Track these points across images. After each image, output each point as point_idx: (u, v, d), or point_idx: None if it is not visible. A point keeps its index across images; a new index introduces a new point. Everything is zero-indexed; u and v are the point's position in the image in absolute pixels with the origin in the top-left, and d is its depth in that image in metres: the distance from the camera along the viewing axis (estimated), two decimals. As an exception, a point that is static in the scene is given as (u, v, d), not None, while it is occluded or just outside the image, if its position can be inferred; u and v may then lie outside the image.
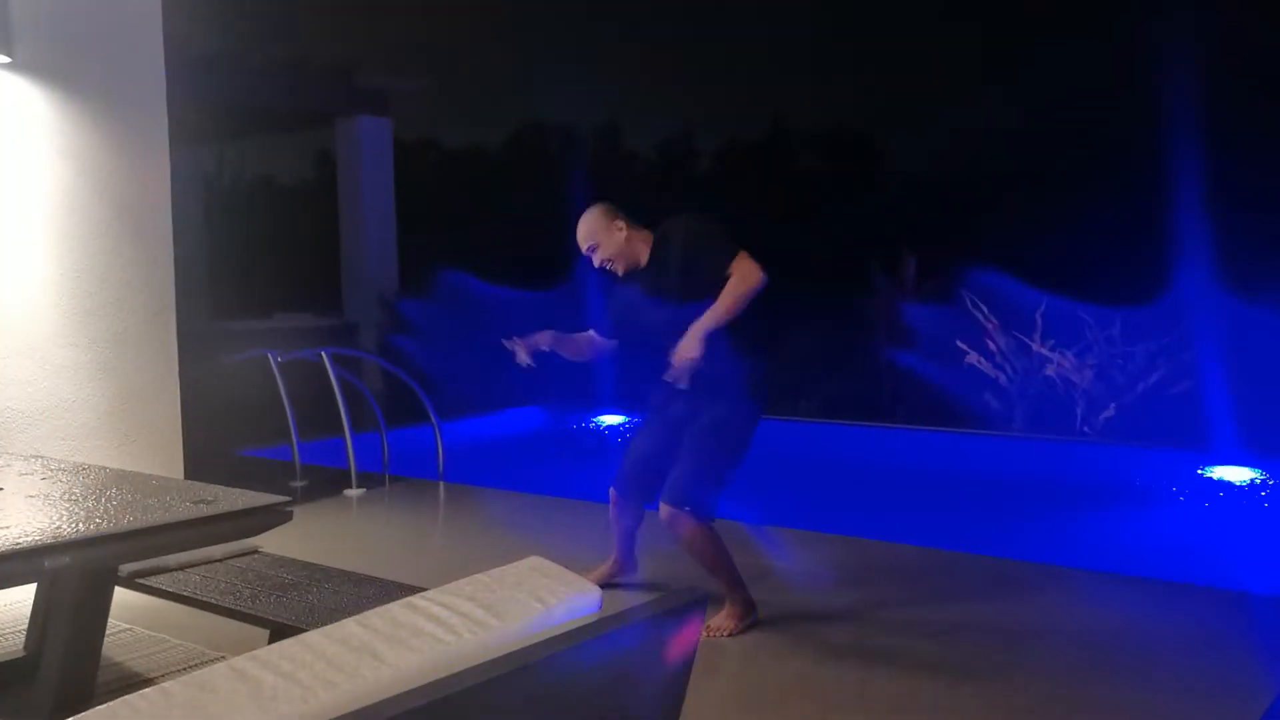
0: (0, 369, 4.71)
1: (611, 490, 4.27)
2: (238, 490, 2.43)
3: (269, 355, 6.61)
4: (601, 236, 4.03)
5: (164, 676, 3.56)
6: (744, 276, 3.69)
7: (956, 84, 15.63)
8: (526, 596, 1.55)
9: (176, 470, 5.41)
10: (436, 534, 5.96)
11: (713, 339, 3.68)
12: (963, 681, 3.45)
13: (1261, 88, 11.73)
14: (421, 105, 14.65)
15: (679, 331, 3.71)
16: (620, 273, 4.09)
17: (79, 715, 1.15)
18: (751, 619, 3.92)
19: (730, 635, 3.83)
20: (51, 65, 4.84)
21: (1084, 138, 12.47)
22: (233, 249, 10.51)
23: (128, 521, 2.11)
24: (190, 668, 3.62)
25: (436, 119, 16.11)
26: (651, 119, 18.93)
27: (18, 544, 1.95)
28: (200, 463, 5.69)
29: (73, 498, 2.33)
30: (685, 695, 1.71)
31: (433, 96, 15.37)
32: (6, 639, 3.82)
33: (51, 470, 2.71)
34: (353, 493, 6.45)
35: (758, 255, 3.79)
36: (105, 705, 1.18)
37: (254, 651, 1.33)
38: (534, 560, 1.66)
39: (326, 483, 6.69)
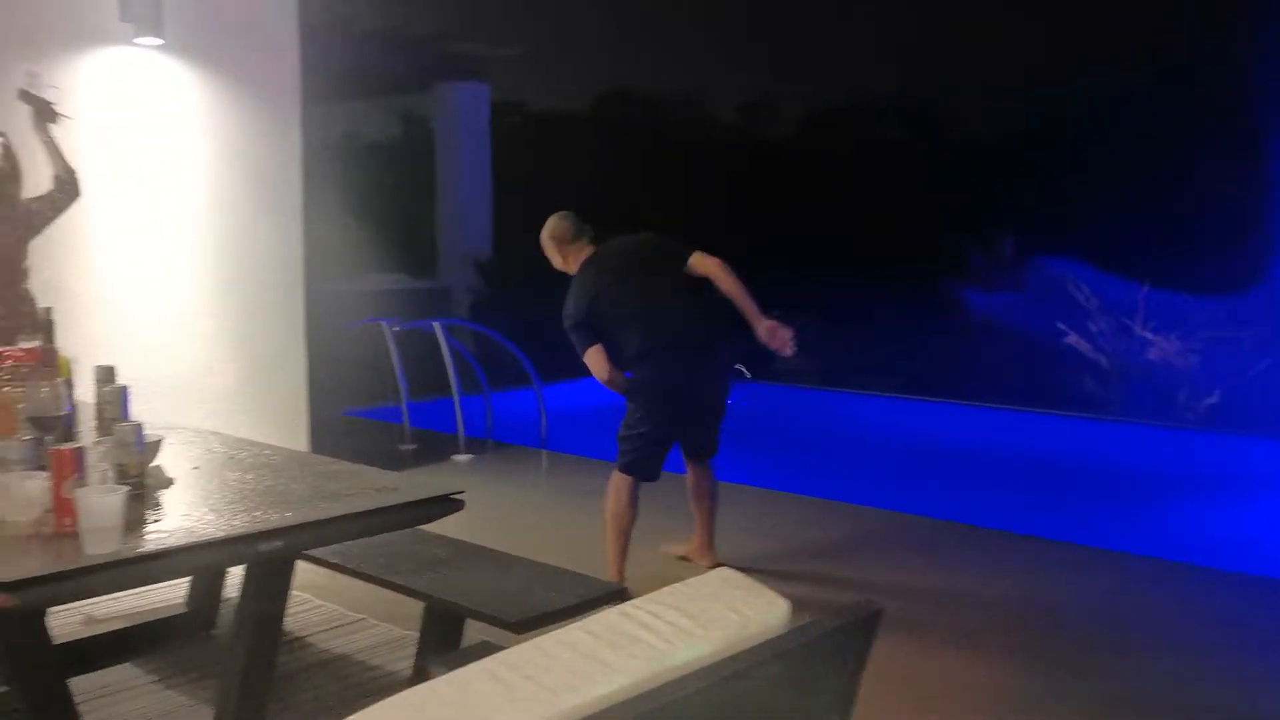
0: (147, 337, 4.98)
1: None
2: (415, 477, 2.60)
3: (383, 323, 6.84)
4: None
5: (310, 636, 3.81)
6: None
7: (1061, 49, 15.11)
8: (724, 608, 1.68)
9: (301, 434, 5.67)
10: (547, 506, 6.08)
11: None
12: (1069, 677, 3.53)
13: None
14: (517, 71, 14.78)
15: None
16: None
17: (370, 709, 1.31)
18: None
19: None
20: (197, 44, 5.06)
21: (1195, 108, 12.02)
22: (333, 213, 10.78)
23: (324, 510, 2.29)
24: (335, 629, 3.87)
25: (530, 85, 16.21)
26: (734, 84, 18.76)
27: (235, 530, 2.14)
28: (317, 425, 5.94)
29: (264, 483, 2.52)
30: (858, 695, 1.84)
31: (527, 62, 15.49)
32: (157, 591, 4.07)
33: (233, 449, 2.92)
34: (461, 458, 6.68)
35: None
36: (388, 700, 1.34)
37: (499, 654, 1.48)
38: (724, 572, 1.79)
39: (434, 447, 6.93)
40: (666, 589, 1.74)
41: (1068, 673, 3.57)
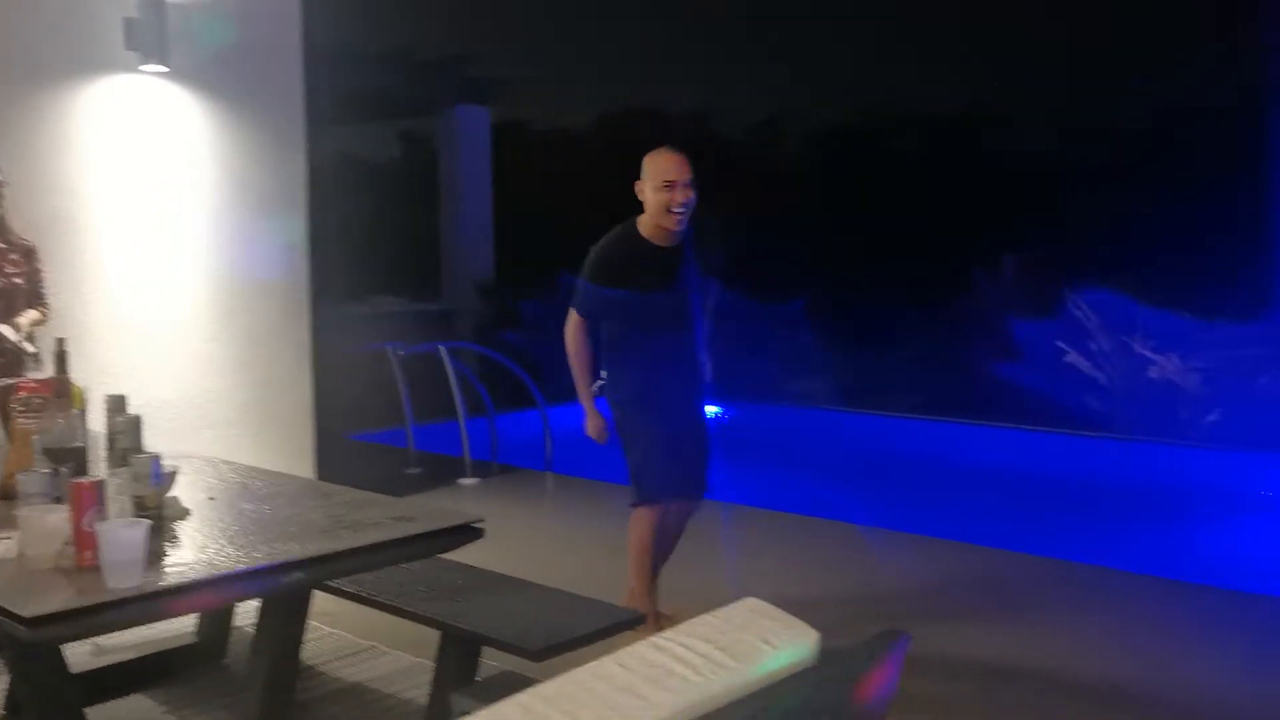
0: (153, 361, 4.98)
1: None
2: (433, 506, 2.58)
3: (389, 348, 6.84)
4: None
5: (323, 665, 3.78)
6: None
7: (1070, 72, 15.08)
8: (754, 639, 1.67)
9: (307, 458, 5.66)
10: (554, 529, 6.04)
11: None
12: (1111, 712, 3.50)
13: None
14: (519, 93, 14.85)
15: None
16: (678, 229, 3.96)
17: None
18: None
19: None
20: (201, 70, 5.08)
21: (1207, 134, 12.01)
22: (337, 236, 10.80)
23: (344, 540, 2.28)
24: (345, 656, 3.84)
25: (533, 106, 16.28)
26: (741, 103, 18.77)
27: (255, 563, 2.13)
28: (322, 449, 5.92)
29: (281, 513, 2.51)
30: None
31: (529, 83, 15.57)
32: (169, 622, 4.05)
33: (245, 478, 2.91)
34: (467, 482, 6.67)
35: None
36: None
37: (534, 688, 1.47)
38: (752, 602, 1.78)
39: (440, 471, 6.91)
40: (696, 620, 1.73)
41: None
